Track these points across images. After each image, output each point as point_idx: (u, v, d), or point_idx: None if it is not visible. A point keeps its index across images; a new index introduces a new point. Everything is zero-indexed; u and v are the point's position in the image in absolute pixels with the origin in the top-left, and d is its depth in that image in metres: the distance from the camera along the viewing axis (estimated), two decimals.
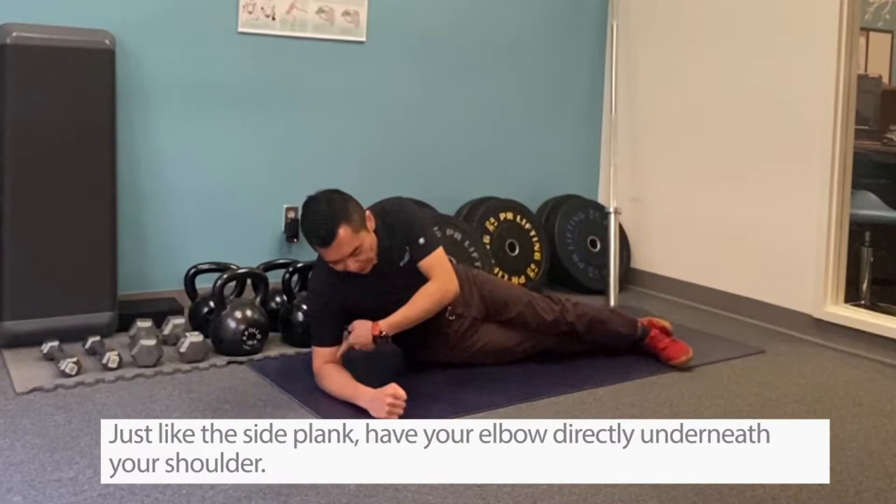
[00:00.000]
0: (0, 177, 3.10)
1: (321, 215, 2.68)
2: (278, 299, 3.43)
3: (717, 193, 4.17)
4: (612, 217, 4.40)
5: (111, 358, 2.94)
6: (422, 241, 2.88)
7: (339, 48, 3.98)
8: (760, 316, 3.93)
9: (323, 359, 2.82)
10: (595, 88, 4.78)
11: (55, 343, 3.03)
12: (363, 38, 4.03)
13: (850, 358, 3.47)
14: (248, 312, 3.19)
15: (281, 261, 3.60)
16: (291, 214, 3.90)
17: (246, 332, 3.14)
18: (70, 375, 2.85)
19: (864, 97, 4.51)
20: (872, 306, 3.86)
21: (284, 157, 3.91)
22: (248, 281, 3.42)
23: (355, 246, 2.69)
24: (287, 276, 3.45)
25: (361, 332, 2.81)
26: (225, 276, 3.24)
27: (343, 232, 2.66)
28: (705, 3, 4.23)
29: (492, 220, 4.26)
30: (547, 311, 3.12)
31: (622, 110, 4.65)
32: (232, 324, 3.15)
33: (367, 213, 2.80)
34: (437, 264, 2.90)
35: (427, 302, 2.86)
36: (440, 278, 2.89)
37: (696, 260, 4.30)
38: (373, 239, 2.77)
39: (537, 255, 4.37)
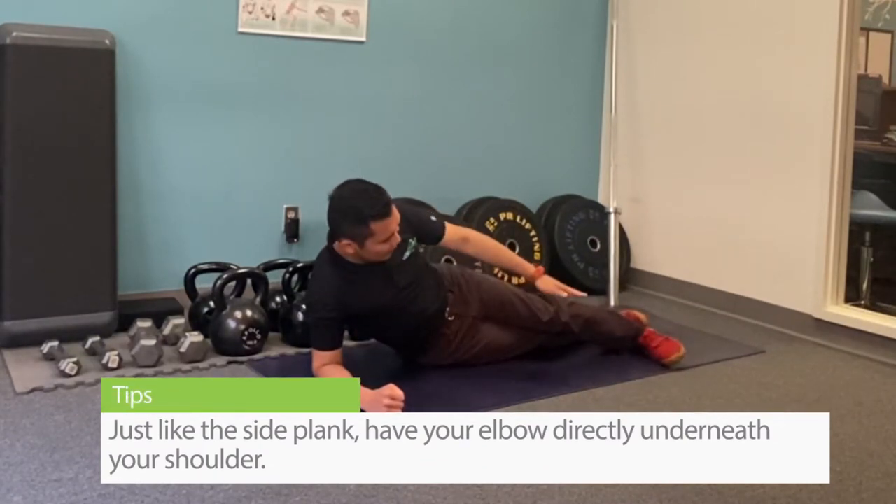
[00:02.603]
0: (0, 176, 3.11)
1: (368, 192, 2.74)
2: (278, 299, 3.43)
3: (718, 193, 4.16)
4: (612, 217, 4.40)
5: (111, 358, 2.94)
6: (433, 218, 3.09)
7: (339, 48, 3.98)
8: (760, 316, 3.93)
9: (322, 360, 2.82)
10: (595, 88, 4.78)
11: (55, 343, 3.03)
12: (363, 38, 4.03)
13: (850, 358, 3.46)
14: (248, 312, 3.19)
15: (281, 261, 3.60)
16: (291, 214, 3.90)
17: (246, 332, 3.14)
18: (70, 375, 2.85)
19: (864, 97, 4.51)
20: (872, 306, 3.86)
21: (284, 157, 3.91)
22: (248, 281, 3.42)
23: (398, 216, 2.78)
24: (287, 276, 3.45)
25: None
26: (225, 276, 3.24)
27: (393, 202, 2.76)
28: (705, 4, 4.22)
29: (492, 220, 4.26)
30: (542, 312, 3.12)
31: (622, 110, 4.65)
32: (232, 324, 3.15)
33: None
34: (457, 226, 3.23)
35: (497, 244, 3.31)
36: (471, 231, 3.30)
37: (696, 260, 4.29)
38: None
39: (537, 255, 4.37)
